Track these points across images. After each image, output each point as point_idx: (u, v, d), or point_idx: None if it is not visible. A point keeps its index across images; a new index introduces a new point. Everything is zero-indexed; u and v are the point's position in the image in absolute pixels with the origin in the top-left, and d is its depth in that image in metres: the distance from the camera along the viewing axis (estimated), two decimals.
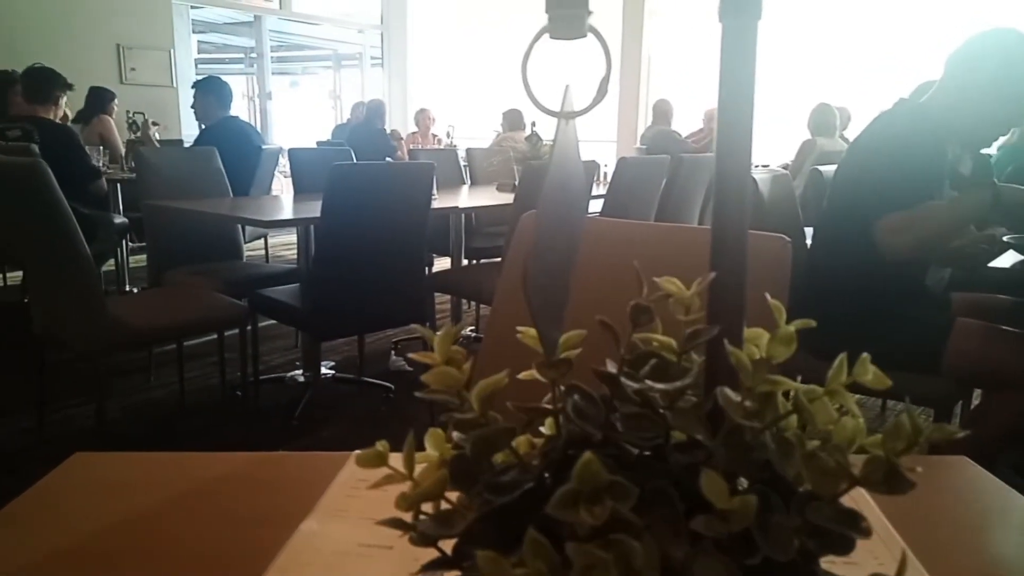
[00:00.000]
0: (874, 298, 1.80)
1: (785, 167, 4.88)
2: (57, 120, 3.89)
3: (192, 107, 4.13)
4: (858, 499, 0.59)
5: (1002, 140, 3.11)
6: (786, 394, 0.30)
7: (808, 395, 0.30)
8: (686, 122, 6.78)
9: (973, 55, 1.75)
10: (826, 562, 0.28)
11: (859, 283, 1.80)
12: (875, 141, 1.80)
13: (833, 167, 2.51)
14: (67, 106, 4.15)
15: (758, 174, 2.08)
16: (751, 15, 0.31)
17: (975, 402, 2.10)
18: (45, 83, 3.79)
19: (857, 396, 0.33)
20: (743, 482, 0.29)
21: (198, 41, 9.25)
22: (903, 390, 0.29)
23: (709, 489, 0.25)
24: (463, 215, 3.51)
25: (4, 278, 4.74)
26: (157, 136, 5.32)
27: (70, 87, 3.96)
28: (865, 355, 0.29)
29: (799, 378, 0.30)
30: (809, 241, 2.02)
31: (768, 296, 0.30)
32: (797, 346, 0.31)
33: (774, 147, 5.91)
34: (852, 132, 5.70)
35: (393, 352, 3.58)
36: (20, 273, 4.20)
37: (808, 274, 1.90)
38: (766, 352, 0.30)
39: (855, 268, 1.79)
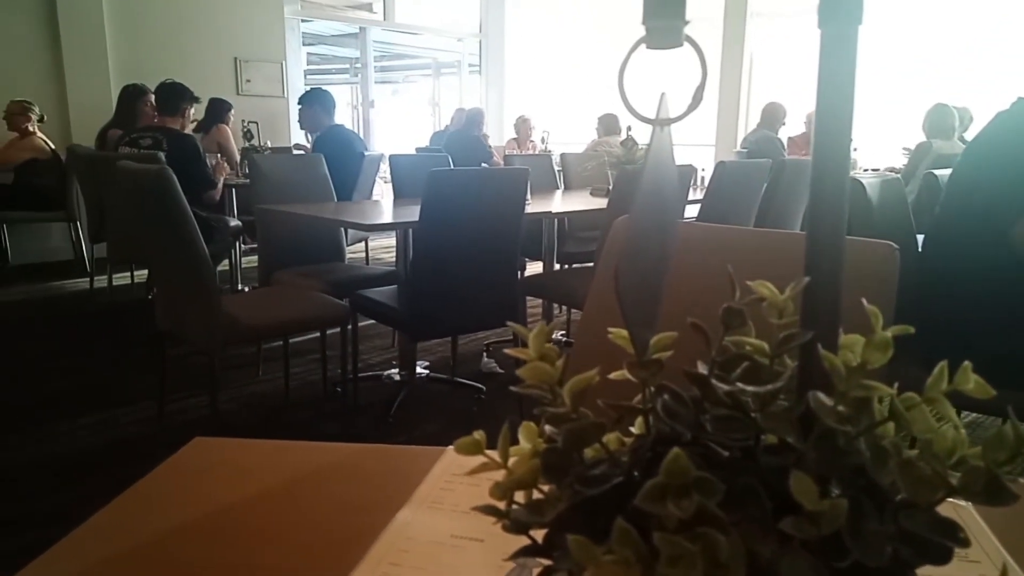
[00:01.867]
0: (988, 307, 1.69)
1: (896, 171, 4.63)
2: (183, 130, 4.19)
3: (299, 120, 4.36)
4: (968, 520, 0.56)
5: None
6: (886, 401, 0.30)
7: (906, 402, 0.29)
8: (789, 124, 6.54)
9: None
10: (923, 572, 0.27)
11: (973, 291, 1.70)
12: (997, 140, 1.69)
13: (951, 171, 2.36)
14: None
15: (866, 178, 1.99)
16: (851, 21, 0.31)
17: None
18: (175, 96, 4.10)
19: (972, 415, 0.32)
20: (835, 490, 0.29)
21: (307, 53, 9.71)
22: (1016, 407, 0.28)
23: (798, 490, 0.26)
24: (556, 220, 3.52)
25: (132, 276, 5.14)
26: (269, 144, 5.63)
27: (197, 100, 4.26)
28: (967, 363, 0.28)
29: (896, 386, 0.30)
30: (921, 248, 1.92)
31: (864, 301, 0.30)
32: (905, 356, 0.30)
33: (889, 150, 5.61)
34: (973, 134, 5.33)
35: (485, 354, 3.64)
36: (146, 272, 4.55)
37: (920, 281, 1.80)
38: (861, 357, 0.30)
39: (969, 275, 1.69)
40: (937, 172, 2.28)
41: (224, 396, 3.02)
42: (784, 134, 6.35)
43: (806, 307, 0.32)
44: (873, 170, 4.98)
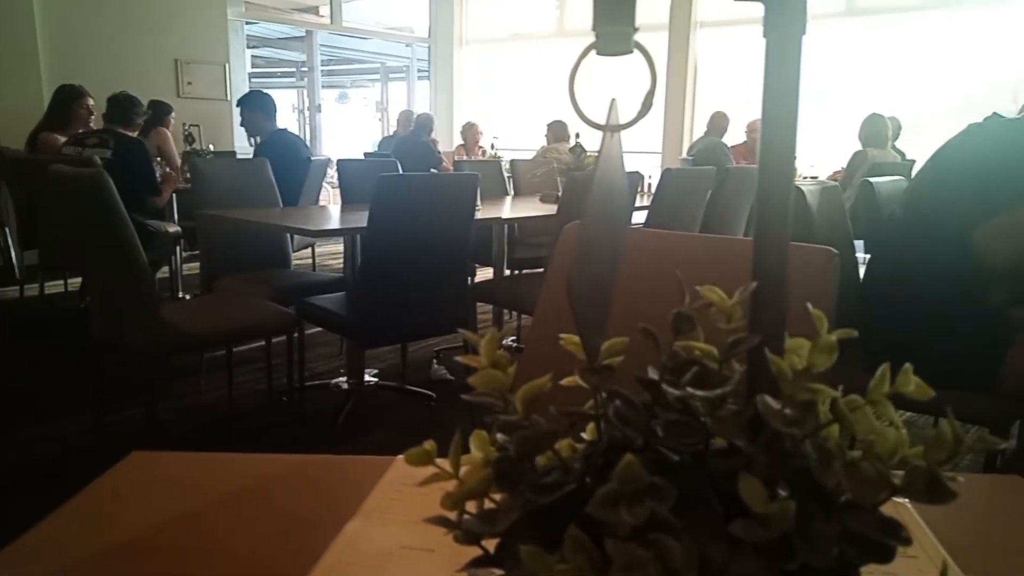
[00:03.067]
0: (927, 312, 1.76)
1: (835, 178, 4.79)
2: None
3: (241, 124, 4.27)
4: (907, 517, 0.58)
5: None
6: (830, 404, 0.31)
7: (850, 404, 0.30)
8: (732, 134, 6.70)
9: None
10: (867, 571, 0.28)
11: (919, 298, 1.76)
12: (964, 151, 1.75)
13: (886, 179, 2.46)
14: None
15: (806, 186, 2.05)
16: (795, 30, 0.31)
17: None
18: (129, 109, 4.04)
19: (908, 414, 0.33)
20: (783, 492, 0.29)
21: (252, 56, 9.52)
22: (954, 407, 0.29)
23: (748, 493, 0.26)
24: (506, 225, 3.53)
25: (65, 284, 4.94)
26: (212, 148, 5.49)
27: (147, 113, 4.16)
28: (908, 365, 0.29)
29: (840, 388, 0.30)
30: (861, 254, 1.98)
31: (810, 306, 0.31)
32: (849, 360, 0.31)
33: (826, 158, 5.80)
34: (903, 143, 5.56)
35: (435, 361, 3.61)
36: (79, 279, 4.38)
37: (864, 287, 1.86)
38: (807, 361, 0.31)
39: (920, 280, 1.74)
40: (872, 180, 2.37)
41: (164, 407, 2.92)
42: (727, 142, 6.50)
43: (754, 312, 0.33)
44: (812, 178, 5.15)
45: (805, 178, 5.08)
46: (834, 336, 0.30)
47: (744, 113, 6.44)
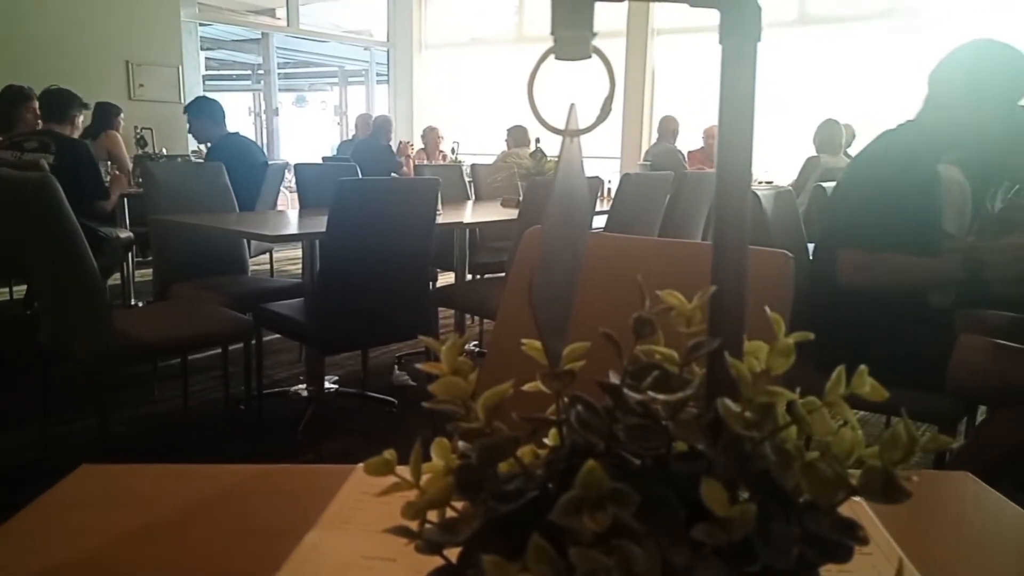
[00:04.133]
0: (876, 314, 1.81)
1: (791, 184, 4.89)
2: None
3: (190, 131, 4.18)
4: (861, 514, 0.59)
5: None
6: (788, 406, 0.31)
7: (807, 406, 0.30)
8: (690, 140, 6.81)
9: (947, 67, 1.77)
10: (826, 571, 0.28)
11: (861, 299, 1.81)
12: (875, 158, 1.82)
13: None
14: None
15: (761, 191, 2.10)
16: (751, 37, 0.32)
17: (980, 421, 2.09)
18: (63, 103, 3.86)
19: (862, 413, 0.33)
20: (744, 493, 0.29)
21: (206, 58, 9.35)
22: (906, 406, 0.29)
23: (709, 497, 0.26)
24: (467, 230, 3.52)
25: (10, 291, 4.77)
26: (165, 151, 5.37)
27: (86, 106, 4.02)
28: (863, 367, 0.30)
29: (798, 390, 0.31)
30: (812, 256, 2.03)
31: (768, 309, 0.31)
32: (802, 361, 0.31)
33: (782, 164, 5.93)
34: (856, 149, 5.71)
35: (396, 367, 3.58)
36: (25, 286, 4.23)
37: (811, 290, 1.90)
38: (765, 364, 0.31)
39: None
40: (825, 184, 2.43)
41: (116, 418, 2.84)
42: (684, 148, 6.61)
43: (713, 315, 0.33)
44: (768, 183, 5.25)
45: (760, 183, 5.19)
46: (791, 339, 0.31)
47: (701, 119, 6.55)
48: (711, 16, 0.32)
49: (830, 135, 5.08)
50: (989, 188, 2.13)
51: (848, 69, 7.11)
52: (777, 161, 6.01)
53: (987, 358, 1.71)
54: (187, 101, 7.14)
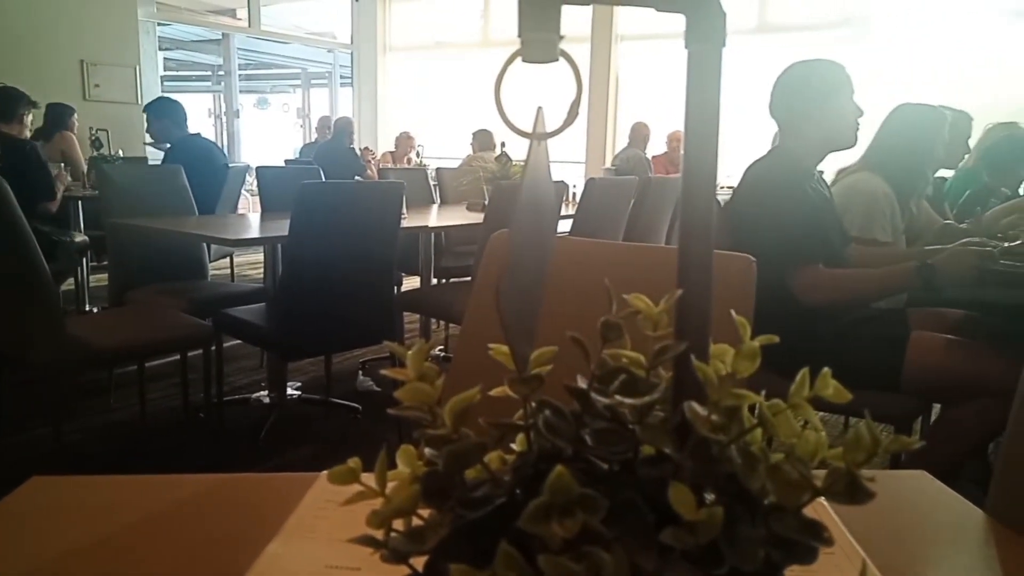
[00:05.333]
0: (829, 316, 1.85)
1: None
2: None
3: (147, 131, 4.09)
4: (822, 514, 0.60)
5: (959, 163, 3.22)
6: (752, 409, 0.31)
7: (772, 409, 0.30)
8: (654, 145, 6.89)
9: (787, 93, 1.93)
10: (790, 571, 0.29)
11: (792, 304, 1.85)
12: (752, 192, 1.93)
13: None
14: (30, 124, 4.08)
15: (724, 196, 2.13)
16: (716, 42, 0.32)
17: (934, 419, 2.15)
18: (9, 101, 3.74)
19: (821, 414, 0.34)
20: (711, 496, 0.29)
21: (164, 58, 9.16)
22: (864, 406, 0.30)
23: (677, 501, 0.26)
24: (432, 234, 3.51)
25: None
26: (122, 153, 5.25)
27: (35, 105, 3.90)
28: (826, 370, 0.30)
29: (763, 394, 0.31)
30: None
31: (733, 313, 0.31)
32: (762, 363, 0.32)
33: (743, 169, 6.01)
34: None
35: (361, 372, 3.54)
36: None
37: (760, 295, 1.94)
38: (731, 367, 0.31)
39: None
40: None
41: (71, 427, 2.75)
42: (649, 153, 6.68)
43: (679, 319, 0.33)
44: (730, 188, 5.33)
45: (723, 188, 5.27)
46: (756, 343, 0.31)
47: (665, 124, 6.63)
48: (675, 22, 0.32)
49: None
50: (912, 194, 2.27)
51: None
52: (739, 167, 6.11)
53: (940, 354, 1.76)
54: (144, 102, 7.02)
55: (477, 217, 3.40)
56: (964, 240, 1.85)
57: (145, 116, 4.03)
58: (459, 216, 3.69)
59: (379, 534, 0.30)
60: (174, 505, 0.70)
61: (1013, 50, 7.67)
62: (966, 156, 3.22)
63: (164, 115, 3.96)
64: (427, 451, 0.31)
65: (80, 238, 4.13)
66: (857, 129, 1.95)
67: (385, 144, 8.06)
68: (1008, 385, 0.89)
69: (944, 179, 3.36)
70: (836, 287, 1.77)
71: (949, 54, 7.13)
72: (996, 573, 0.65)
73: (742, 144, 6.46)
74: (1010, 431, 0.84)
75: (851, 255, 1.98)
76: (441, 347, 3.97)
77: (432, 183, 4.93)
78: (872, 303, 1.90)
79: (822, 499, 0.29)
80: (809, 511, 0.29)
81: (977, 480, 1.97)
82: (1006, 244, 2.00)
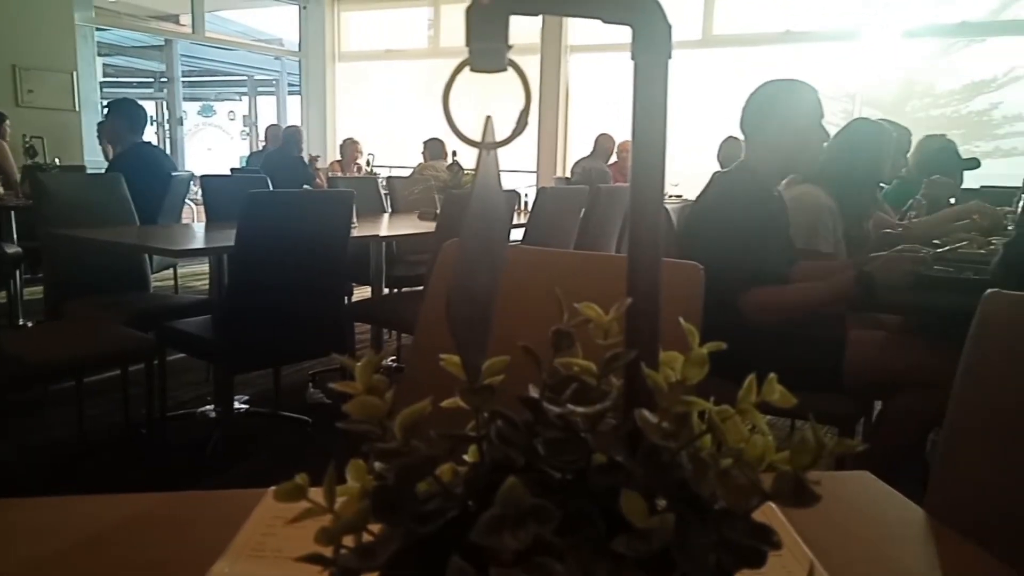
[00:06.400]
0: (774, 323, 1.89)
1: None
2: None
3: (100, 132, 3.95)
4: (771, 515, 0.61)
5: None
6: (701, 415, 0.32)
7: (721, 415, 0.31)
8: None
9: (756, 111, 1.96)
10: (740, 574, 0.29)
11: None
12: (713, 204, 1.96)
13: None
14: None
15: (670, 204, 2.17)
16: (661, 54, 0.32)
17: (875, 417, 2.22)
18: None
19: (768, 417, 0.35)
20: (662, 502, 0.30)
21: (104, 64, 8.89)
22: (809, 409, 0.30)
23: (628, 509, 0.26)
24: (384, 243, 3.47)
25: None
26: (58, 162, 5.06)
27: None
28: (772, 375, 0.31)
29: (712, 399, 0.31)
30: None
31: (681, 320, 0.32)
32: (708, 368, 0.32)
33: (690, 179, 6.14)
34: None
35: (311, 384, 3.48)
36: None
37: (713, 298, 1.98)
38: (681, 374, 0.31)
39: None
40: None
41: (5, 447, 2.63)
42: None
43: (629, 327, 0.33)
44: (677, 196, 5.44)
45: (671, 196, 5.36)
46: (705, 349, 0.31)
47: (616, 135, 6.72)
48: (624, 34, 0.33)
49: (733, 151, 5.32)
50: (864, 212, 2.36)
51: (749, 89, 7.45)
52: (686, 176, 6.24)
53: (877, 351, 1.84)
54: (81, 109, 6.78)
55: (429, 226, 3.38)
56: (899, 247, 1.93)
57: (105, 115, 3.88)
58: (410, 225, 3.66)
59: (328, 551, 0.30)
60: (114, 527, 0.67)
61: (943, 69, 8.05)
62: (904, 169, 3.37)
63: (121, 114, 3.83)
64: (377, 465, 0.30)
65: (13, 249, 3.96)
66: (819, 154, 1.99)
67: (335, 153, 7.95)
68: (943, 376, 0.92)
69: (881, 187, 3.50)
70: (781, 306, 1.82)
71: (886, 70, 7.43)
72: (935, 569, 0.67)
73: (690, 154, 6.61)
74: (945, 433, 0.87)
75: (795, 272, 2.03)
76: (393, 357, 3.93)
77: (383, 192, 4.89)
78: (817, 312, 1.96)
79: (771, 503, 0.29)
80: (758, 513, 0.29)
81: (916, 478, 2.04)
82: (937, 251, 2.10)
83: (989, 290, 0.87)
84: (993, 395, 0.85)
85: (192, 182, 4.49)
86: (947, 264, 2.04)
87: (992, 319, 0.86)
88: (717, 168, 5.28)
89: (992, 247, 2.26)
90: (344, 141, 7.45)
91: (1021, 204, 2.67)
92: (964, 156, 3.49)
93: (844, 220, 2.31)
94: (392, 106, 9.61)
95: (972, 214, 2.72)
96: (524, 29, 7.72)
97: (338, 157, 7.58)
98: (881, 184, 2.98)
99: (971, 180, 3.77)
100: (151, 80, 12.10)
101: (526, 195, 4.68)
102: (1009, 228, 2.58)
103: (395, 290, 3.92)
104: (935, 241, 2.31)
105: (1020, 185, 4.24)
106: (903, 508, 0.74)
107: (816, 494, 0.28)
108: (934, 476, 0.86)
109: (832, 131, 2.33)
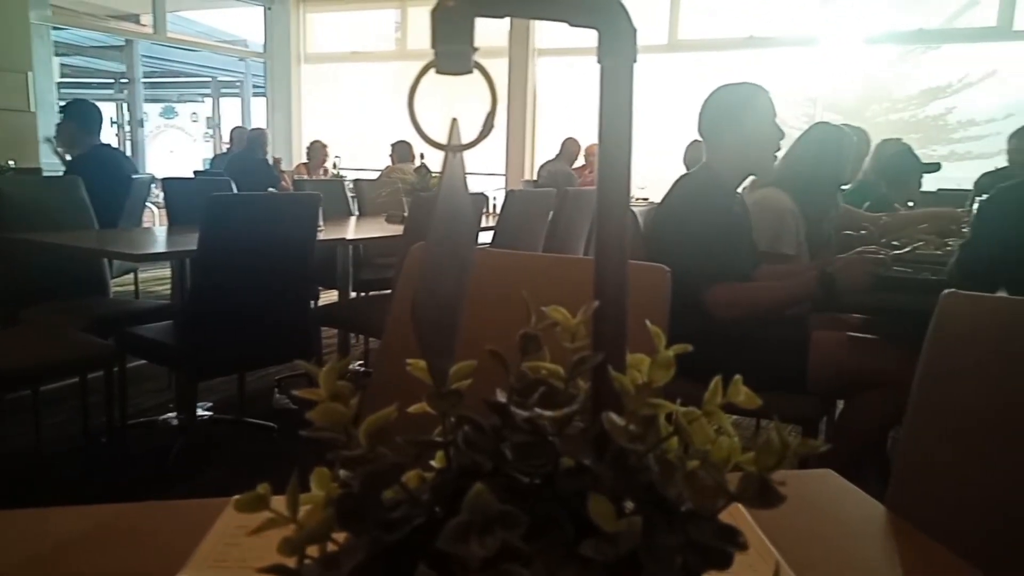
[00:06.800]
0: (739, 325, 1.92)
1: None
2: None
3: (56, 134, 3.85)
4: (737, 514, 0.61)
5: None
6: (668, 417, 0.32)
7: (687, 417, 0.31)
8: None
9: (713, 115, 2.01)
10: (707, 573, 0.29)
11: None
12: (677, 206, 1.99)
13: None
14: None
15: (637, 207, 2.19)
16: (627, 57, 0.32)
17: (838, 416, 2.26)
18: None
19: (733, 417, 0.35)
20: (630, 505, 0.29)
21: (61, 64, 8.68)
22: (773, 409, 0.31)
23: (596, 513, 0.26)
24: (351, 246, 3.44)
25: None
26: (13, 164, 4.92)
27: None
28: (738, 377, 0.31)
29: (679, 401, 0.31)
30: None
31: (648, 323, 0.32)
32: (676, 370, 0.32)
33: (656, 182, 6.19)
34: None
35: (276, 390, 3.43)
36: None
37: (679, 301, 2.00)
38: (647, 376, 0.32)
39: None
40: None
41: None
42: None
43: (596, 330, 0.33)
44: (644, 199, 5.48)
45: (637, 199, 5.41)
46: (671, 352, 0.32)
47: (583, 138, 6.76)
48: (591, 38, 0.33)
49: (698, 155, 5.37)
50: (824, 214, 2.42)
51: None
52: (653, 179, 6.29)
53: (840, 351, 1.87)
54: (38, 109, 6.60)
55: (396, 229, 3.36)
56: (859, 249, 1.97)
57: (60, 116, 3.78)
58: (378, 228, 3.64)
59: (291, 562, 0.29)
60: (73, 539, 0.65)
61: (901, 75, 8.26)
62: (862, 171, 3.45)
63: (74, 117, 3.74)
64: (342, 472, 0.30)
65: None
66: (776, 151, 2.05)
67: (301, 156, 7.86)
68: (904, 377, 0.94)
69: (842, 190, 3.57)
70: (747, 302, 1.85)
71: (846, 75, 7.60)
72: (896, 565, 0.69)
73: (657, 157, 6.67)
74: (905, 431, 0.89)
75: (758, 274, 2.07)
76: (361, 362, 3.89)
77: (350, 195, 4.85)
78: (781, 313, 1.99)
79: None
80: (725, 513, 0.29)
81: (878, 476, 2.08)
82: (895, 252, 2.15)
83: (946, 290, 0.89)
84: (951, 393, 0.87)
85: (154, 185, 4.40)
86: (906, 265, 2.09)
87: (949, 318, 0.88)
88: (683, 171, 5.37)
89: (949, 248, 2.33)
90: (312, 144, 7.37)
91: (975, 206, 2.76)
92: (922, 160, 3.58)
93: (806, 223, 2.35)
94: (359, 108, 9.54)
95: (938, 218, 2.83)
96: (492, 32, 7.74)
97: (304, 160, 7.50)
98: (842, 187, 3.05)
99: (929, 183, 3.87)
100: (111, 81, 11.85)
101: (495, 198, 4.68)
102: (965, 229, 2.66)
103: (363, 294, 3.88)
104: (894, 243, 2.37)
105: (972, 188, 4.39)
106: (865, 505, 0.75)
107: (781, 495, 0.28)
108: (895, 473, 0.88)
109: (794, 135, 2.37)
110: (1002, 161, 4.31)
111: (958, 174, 6.12)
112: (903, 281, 1.95)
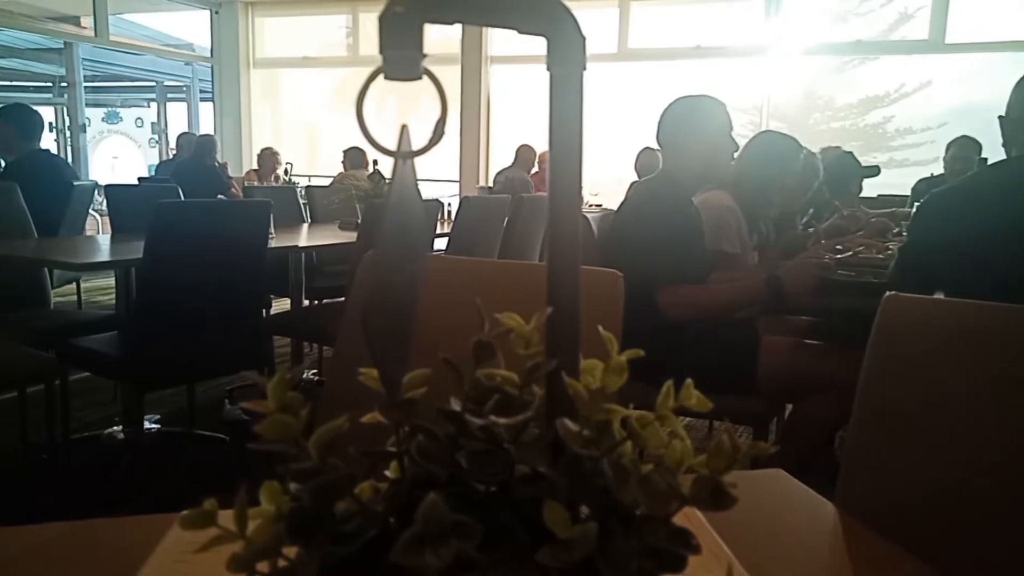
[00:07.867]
0: (685, 326, 1.95)
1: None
2: None
3: None
4: (691, 515, 0.62)
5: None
6: (622, 422, 0.32)
7: (640, 421, 0.31)
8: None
9: (672, 124, 2.07)
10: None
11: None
12: (638, 210, 2.03)
13: None
14: None
15: (590, 214, 2.21)
16: (576, 64, 0.33)
17: (787, 417, 2.32)
18: None
19: (686, 419, 0.35)
20: (586, 510, 0.30)
21: None
22: (724, 412, 0.31)
23: (552, 520, 0.26)
24: (303, 254, 3.39)
25: None
26: None
27: None
28: (689, 380, 0.31)
29: (632, 405, 0.32)
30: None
31: (600, 328, 0.32)
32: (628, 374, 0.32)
33: (610, 189, 6.25)
34: None
35: (228, 401, 3.35)
36: None
37: (632, 304, 2.02)
38: (601, 382, 0.32)
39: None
40: None
41: None
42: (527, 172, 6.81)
43: (550, 336, 0.33)
44: (597, 206, 5.54)
45: (590, 205, 5.46)
46: (624, 357, 0.32)
47: (537, 145, 6.79)
48: (542, 46, 0.33)
49: (649, 162, 5.47)
50: (761, 214, 2.50)
51: (664, 101, 7.67)
52: (605, 186, 6.36)
53: (789, 356, 1.92)
54: None
55: (350, 236, 3.32)
56: (805, 253, 2.03)
57: None
58: (331, 235, 3.59)
59: None
60: (13, 560, 0.62)
61: (841, 85, 8.53)
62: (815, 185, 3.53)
63: (10, 121, 3.59)
64: (292, 486, 0.29)
65: None
66: (731, 161, 2.10)
67: (251, 162, 7.71)
68: (850, 380, 0.97)
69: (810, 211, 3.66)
70: (698, 302, 1.89)
71: (789, 85, 7.81)
72: (846, 562, 0.70)
73: (609, 165, 6.75)
74: (852, 431, 0.92)
75: (711, 280, 2.12)
76: (314, 371, 3.83)
77: (302, 202, 4.78)
78: (732, 314, 2.03)
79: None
80: (680, 517, 0.30)
81: (826, 475, 2.13)
82: (839, 256, 2.21)
83: (887, 293, 0.92)
84: (894, 393, 0.89)
85: (96, 192, 4.26)
86: (849, 269, 2.16)
87: (890, 320, 0.91)
88: (635, 178, 5.44)
89: (889, 252, 2.40)
90: (262, 151, 7.23)
91: (912, 210, 2.86)
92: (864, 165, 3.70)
93: (748, 222, 2.41)
94: (311, 114, 9.41)
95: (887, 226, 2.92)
96: (445, 39, 7.73)
97: (255, 166, 7.36)
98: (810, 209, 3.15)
99: (869, 188, 4.00)
100: (50, 84, 11.45)
101: (449, 204, 4.66)
102: (903, 233, 2.75)
103: (315, 302, 3.82)
104: (837, 247, 2.44)
105: (910, 194, 4.56)
106: (815, 503, 0.77)
107: (734, 497, 0.28)
108: (843, 472, 0.90)
109: (740, 142, 2.43)
110: (938, 168, 4.48)
111: (897, 180, 6.35)
112: (847, 284, 2.01)
